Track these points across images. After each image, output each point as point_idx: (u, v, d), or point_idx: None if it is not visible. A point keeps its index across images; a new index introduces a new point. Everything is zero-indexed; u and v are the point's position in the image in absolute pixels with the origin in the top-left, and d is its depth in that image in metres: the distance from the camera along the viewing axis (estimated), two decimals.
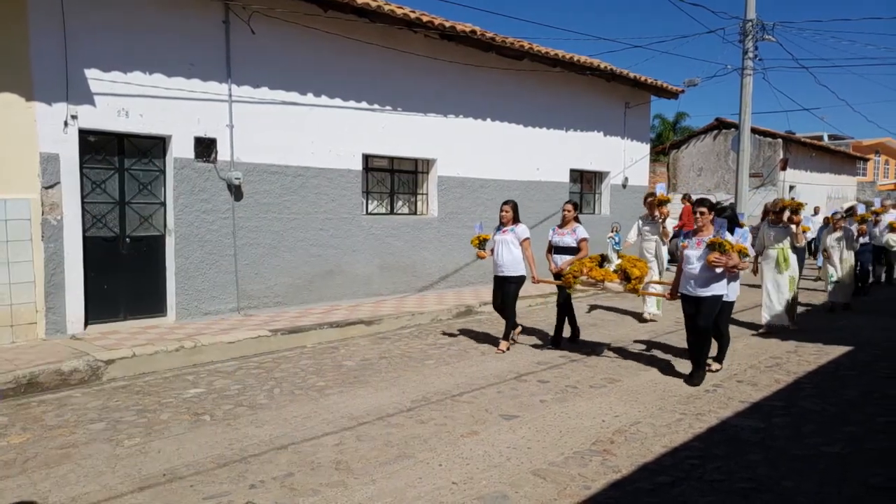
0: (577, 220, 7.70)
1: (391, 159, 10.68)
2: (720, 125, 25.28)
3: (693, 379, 6.17)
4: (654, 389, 6.04)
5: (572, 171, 13.68)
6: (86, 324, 7.51)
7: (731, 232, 6.31)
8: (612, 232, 8.85)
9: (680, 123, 33.61)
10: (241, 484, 4.00)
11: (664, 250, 9.66)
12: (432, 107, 10.81)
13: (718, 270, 5.97)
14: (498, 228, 7.55)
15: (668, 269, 10.28)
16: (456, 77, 10.99)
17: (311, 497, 3.83)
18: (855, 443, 4.69)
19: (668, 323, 9.42)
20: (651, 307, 9.68)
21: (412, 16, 9.48)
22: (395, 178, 10.86)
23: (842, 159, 29.34)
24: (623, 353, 7.53)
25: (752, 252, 7.24)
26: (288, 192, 9.14)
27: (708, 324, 6.08)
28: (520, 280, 7.40)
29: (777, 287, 8.70)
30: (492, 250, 7.48)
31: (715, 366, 6.68)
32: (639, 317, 9.82)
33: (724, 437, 4.82)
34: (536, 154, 12.69)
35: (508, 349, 7.46)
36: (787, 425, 5.07)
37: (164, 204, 8.17)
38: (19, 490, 3.90)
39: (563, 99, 13.04)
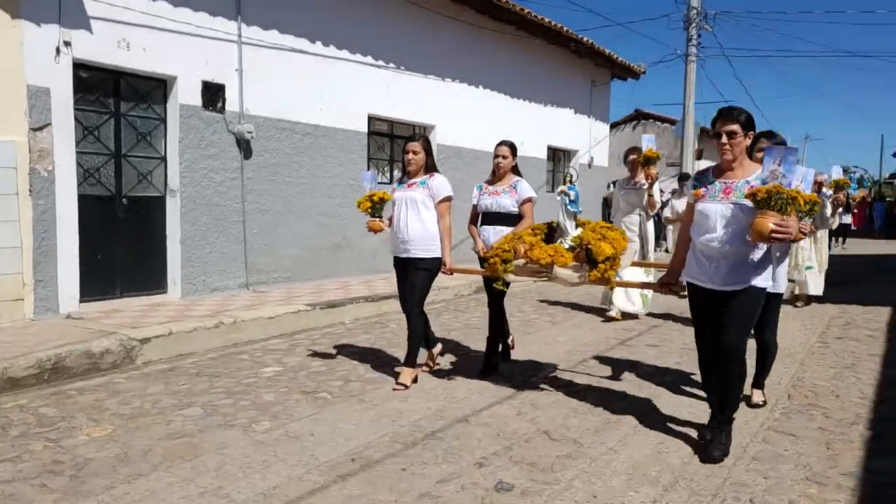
0: (516, 171, 4.94)
1: (392, 123, 9.77)
2: (639, 116, 26.07)
3: (715, 448, 3.27)
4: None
5: (548, 147, 13.34)
6: (79, 301, 6.11)
7: None
8: (564, 184, 6.78)
9: None
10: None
11: (650, 227, 6.98)
12: (432, 69, 10.02)
13: (762, 247, 3.17)
14: (401, 181, 4.70)
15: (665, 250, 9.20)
16: (454, 39, 10.26)
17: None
18: None
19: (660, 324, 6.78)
20: (631, 301, 7.06)
21: None
22: (394, 145, 9.97)
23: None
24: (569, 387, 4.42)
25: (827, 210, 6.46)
26: (297, 153, 8.04)
27: (740, 341, 3.25)
28: (434, 265, 4.51)
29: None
30: (391, 219, 4.63)
31: (757, 396, 4.11)
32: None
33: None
34: (521, 128, 12.19)
35: (416, 380, 4.51)
36: None
37: (164, 159, 6.84)
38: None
39: (541, 72, 12.63)
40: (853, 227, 22.41)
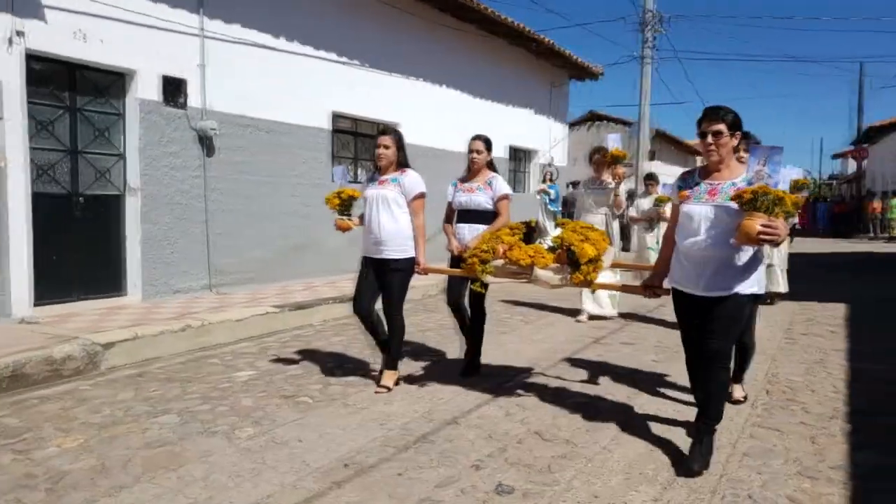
0: (491, 166, 4.76)
1: (356, 121, 9.63)
2: (593, 117, 26.43)
3: (694, 461, 3.10)
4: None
5: (509, 147, 13.37)
6: (32, 305, 5.80)
7: None
8: (543, 182, 6.10)
9: None
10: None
11: (616, 227, 6.99)
12: (396, 66, 9.92)
13: (748, 251, 3.08)
14: (371, 179, 4.51)
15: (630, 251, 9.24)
16: (419, 38, 10.18)
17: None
18: None
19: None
20: (600, 304, 7.02)
21: None
22: (357, 143, 9.83)
23: (693, 155, 32.12)
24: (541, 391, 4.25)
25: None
26: (261, 151, 7.82)
27: (726, 347, 3.20)
28: (409, 266, 4.38)
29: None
30: (361, 217, 4.52)
31: (738, 391, 4.13)
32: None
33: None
34: (483, 127, 12.09)
35: (399, 383, 4.43)
36: None
37: (122, 156, 6.56)
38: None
39: (503, 72, 12.65)
40: (798, 227, 23.22)
